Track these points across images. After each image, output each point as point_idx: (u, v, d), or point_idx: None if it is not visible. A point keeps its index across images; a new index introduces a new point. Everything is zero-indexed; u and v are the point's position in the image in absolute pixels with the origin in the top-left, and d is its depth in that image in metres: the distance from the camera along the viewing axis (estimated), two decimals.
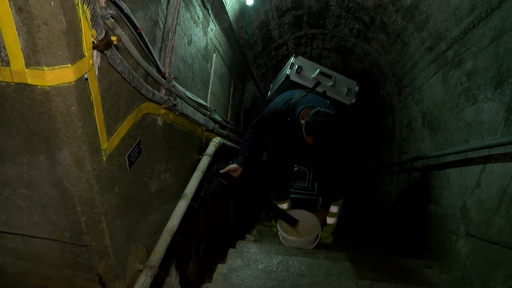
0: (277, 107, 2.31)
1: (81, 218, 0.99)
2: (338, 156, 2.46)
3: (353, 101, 2.75)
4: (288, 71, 2.78)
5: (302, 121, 2.03)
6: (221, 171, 2.27)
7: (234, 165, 2.33)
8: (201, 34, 2.04)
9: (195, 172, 1.79)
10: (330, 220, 2.83)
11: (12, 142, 0.89)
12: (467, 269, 1.85)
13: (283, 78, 2.83)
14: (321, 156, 2.55)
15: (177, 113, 1.58)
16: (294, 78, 2.78)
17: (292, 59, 2.82)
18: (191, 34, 1.83)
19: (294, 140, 2.32)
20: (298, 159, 2.91)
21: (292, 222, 2.56)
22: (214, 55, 2.44)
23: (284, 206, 2.94)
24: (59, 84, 0.77)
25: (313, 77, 2.80)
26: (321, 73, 2.82)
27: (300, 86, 2.72)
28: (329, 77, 2.82)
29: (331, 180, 2.72)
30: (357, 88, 2.83)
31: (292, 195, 3.15)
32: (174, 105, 1.45)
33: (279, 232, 2.56)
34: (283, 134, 2.42)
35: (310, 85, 2.75)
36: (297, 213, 2.70)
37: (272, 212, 2.63)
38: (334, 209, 2.77)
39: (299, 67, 2.78)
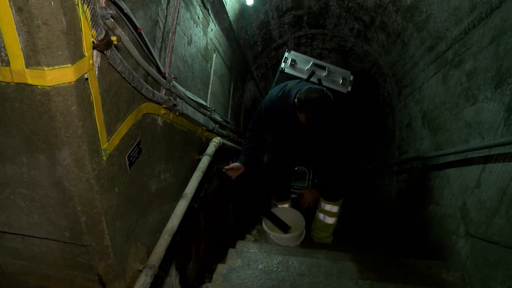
0: (272, 96, 2.33)
1: (81, 218, 0.99)
2: (335, 147, 2.44)
3: (349, 89, 2.82)
4: (282, 65, 2.85)
5: (296, 100, 2.04)
6: (225, 167, 2.29)
7: (236, 164, 2.35)
8: (201, 34, 2.04)
9: (195, 172, 1.79)
10: (330, 220, 2.81)
11: (12, 142, 0.89)
12: (467, 269, 1.85)
13: (278, 72, 2.90)
14: (319, 150, 2.52)
15: (177, 113, 1.58)
16: (288, 71, 2.84)
17: (285, 54, 2.89)
18: (191, 34, 1.83)
19: (292, 132, 2.32)
20: (298, 159, 2.90)
21: (285, 228, 2.57)
22: (214, 55, 2.44)
23: (285, 206, 2.94)
24: (59, 84, 0.77)
25: (307, 69, 2.87)
26: (314, 64, 2.88)
27: (295, 78, 2.76)
28: (323, 68, 2.88)
29: (331, 180, 2.71)
30: (352, 77, 2.91)
31: (292, 195, 3.15)
32: (174, 105, 1.45)
33: (265, 231, 2.58)
34: (281, 127, 2.41)
35: (305, 77, 2.80)
36: (282, 211, 2.72)
37: (266, 216, 2.64)
38: (334, 208, 2.76)
39: (293, 60, 2.86)
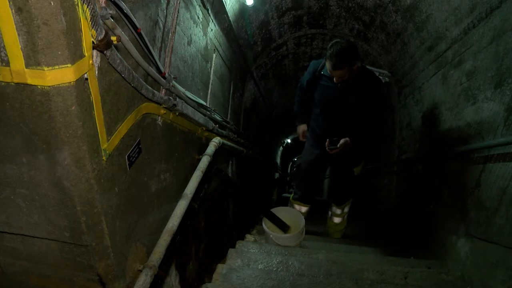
0: (316, 60, 2.60)
1: (81, 218, 0.99)
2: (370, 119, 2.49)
3: (387, 80, 2.93)
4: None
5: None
6: (301, 139, 2.71)
7: (301, 128, 2.78)
8: (201, 34, 2.04)
9: (195, 172, 1.79)
10: (338, 220, 3.16)
11: (12, 142, 0.89)
12: (467, 269, 1.85)
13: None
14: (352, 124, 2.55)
15: (177, 113, 1.58)
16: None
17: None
18: (191, 34, 1.83)
19: (328, 95, 2.47)
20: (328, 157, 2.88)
21: (284, 228, 2.58)
22: (214, 55, 2.44)
23: (303, 210, 3.00)
24: (59, 84, 0.77)
25: None
26: None
27: None
28: None
29: (340, 188, 2.94)
30: (389, 74, 3.08)
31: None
32: (174, 105, 1.44)
33: (265, 231, 2.58)
34: (318, 89, 2.54)
35: None
36: (282, 211, 2.74)
37: (265, 216, 2.65)
38: (346, 209, 3.07)
39: None
